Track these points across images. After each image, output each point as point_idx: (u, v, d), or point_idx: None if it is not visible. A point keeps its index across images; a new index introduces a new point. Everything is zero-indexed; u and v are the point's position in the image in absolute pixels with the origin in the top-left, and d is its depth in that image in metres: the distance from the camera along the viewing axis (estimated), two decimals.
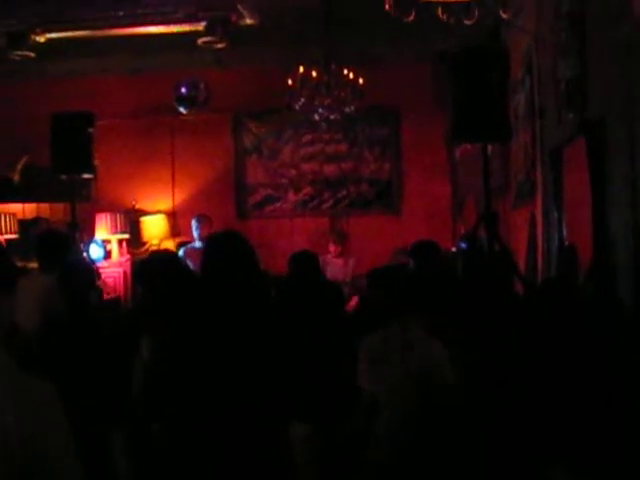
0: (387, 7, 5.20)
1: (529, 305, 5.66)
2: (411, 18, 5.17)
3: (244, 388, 3.89)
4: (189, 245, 11.62)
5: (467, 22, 5.18)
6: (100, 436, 4.47)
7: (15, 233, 12.51)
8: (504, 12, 5.24)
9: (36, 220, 12.63)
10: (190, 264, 9.30)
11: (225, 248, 4.18)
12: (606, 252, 5.85)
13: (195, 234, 11.51)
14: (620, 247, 5.60)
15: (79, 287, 5.48)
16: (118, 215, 12.92)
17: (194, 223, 11.58)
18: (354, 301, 10.06)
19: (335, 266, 11.36)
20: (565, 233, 7.31)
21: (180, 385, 3.96)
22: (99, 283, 9.47)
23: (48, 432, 2.72)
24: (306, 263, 7.03)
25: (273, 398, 3.92)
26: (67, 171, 9.48)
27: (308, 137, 13.62)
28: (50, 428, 2.73)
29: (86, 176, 9.94)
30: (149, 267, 5.81)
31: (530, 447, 4.38)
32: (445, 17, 5.17)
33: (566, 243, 7.26)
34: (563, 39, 6.83)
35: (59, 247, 7.22)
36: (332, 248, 11.70)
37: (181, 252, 11.14)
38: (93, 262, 10.21)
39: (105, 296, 11.13)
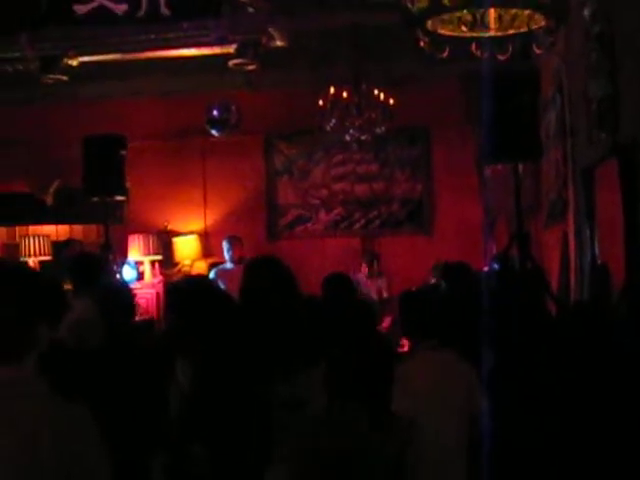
0: (422, 44, 5.22)
1: (562, 326, 5.64)
2: (445, 54, 5.19)
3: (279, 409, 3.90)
4: (220, 266, 11.64)
5: (501, 57, 5.18)
6: (138, 463, 4.47)
7: (48, 255, 12.61)
8: (538, 48, 5.24)
9: (69, 242, 12.70)
10: (222, 285, 9.32)
11: (266, 273, 4.19)
12: (639, 272, 5.83)
13: (227, 255, 11.53)
14: None
15: (120, 310, 5.50)
16: (150, 236, 12.98)
17: (225, 244, 11.61)
18: (387, 322, 10.06)
19: (365, 286, 11.37)
20: (598, 252, 7.29)
21: (216, 410, 3.97)
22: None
23: (85, 457, 2.72)
24: (341, 285, 7.02)
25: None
26: (99, 193, 9.55)
27: (339, 157, 13.63)
28: (87, 453, 2.74)
29: (118, 198, 10.01)
30: (182, 291, 5.83)
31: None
32: (479, 53, 5.18)
33: (599, 262, 7.24)
34: (593, 60, 6.83)
35: (93, 270, 7.25)
36: (364, 269, 11.73)
37: (212, 274, 11.17)
38: (126, 284, 10.26)
39: (138, 317, 11.18)
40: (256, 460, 3.90)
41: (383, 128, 11.16)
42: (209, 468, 4.08)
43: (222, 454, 3.96)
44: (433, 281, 10.30)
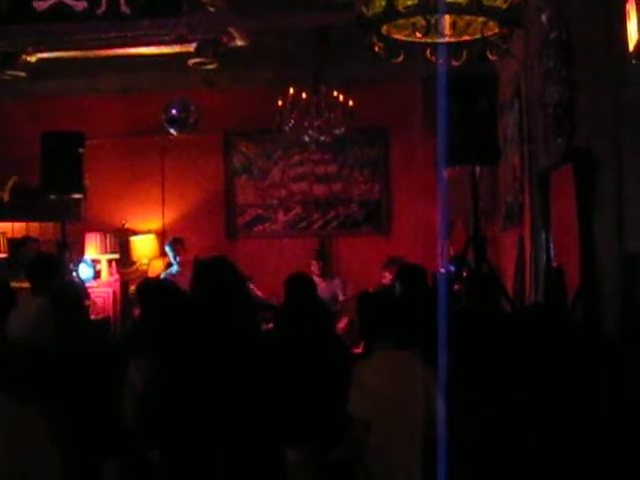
0: (376, 49, 5.24)
1: (517, 328, 5.68)
2: (400, 59, 5.21)
3: (238, 415, 3.89)
4: (168, 272, 11.67)
5: (455, 63, 5.22)
6: (92, 467, 4.46)
7: (4, 252, 12.51)
8: (491, 54, 5.28)
9: (25, 240, 12.62)
10: None
11: (213, 275, 4.17)
12: (593, 276, 5.90)
13: (172, 260, 11.56)
14: (607, 270, 5.65)
15: (69, 310, 5.49)
16: (108, 235, 12.89)
17: (168, 249, 11.62)
18: (343, 323, 10.08)
19: (319, 286, 11.37)
20: (553, 255, 7.35)
21: (173, 413, 3.96)
22: (88, 303, 9.49)
23: (35, 459, 2.72)
24: (303, 286, 7.05)
25: (267, 424, 3.93)
26: (57, 191, 9.51)
27: (298, 158, 13.62)
28: (38, 455, 2.74)
29: (76, 196, 9.97)
30: (143, 293, 5.86)
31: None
32: (433, 58, 5.22)
33: (554, 265, 7.30)
34: (551, 65, 6.89)
35: (51, 269, 7.31)
36: (313, 267, 11.69)
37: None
38: (82, 282, 10.22)
39: (94, 316, 11.13)
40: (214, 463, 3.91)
41: (342, 129, 11.18)
42: (163, 474, 4.07)
43: (178, 460, 3.95)
44: (386, 274, 10.36)
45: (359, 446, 5.10)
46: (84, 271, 12.02)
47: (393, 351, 5.35)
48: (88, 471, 4.39)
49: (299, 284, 7.08)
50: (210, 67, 11.22)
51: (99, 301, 12.09)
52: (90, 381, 5.01)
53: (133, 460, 4.42)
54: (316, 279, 11.43)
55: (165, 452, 4.03)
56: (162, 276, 11.44)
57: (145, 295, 6.04)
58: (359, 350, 7.35)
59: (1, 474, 2.62)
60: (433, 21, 4.93)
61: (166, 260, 13.19)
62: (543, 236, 7.61)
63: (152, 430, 4.16)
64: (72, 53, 11.26)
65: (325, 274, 11.86)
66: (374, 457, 5.07)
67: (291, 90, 10.84)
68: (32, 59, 11.15)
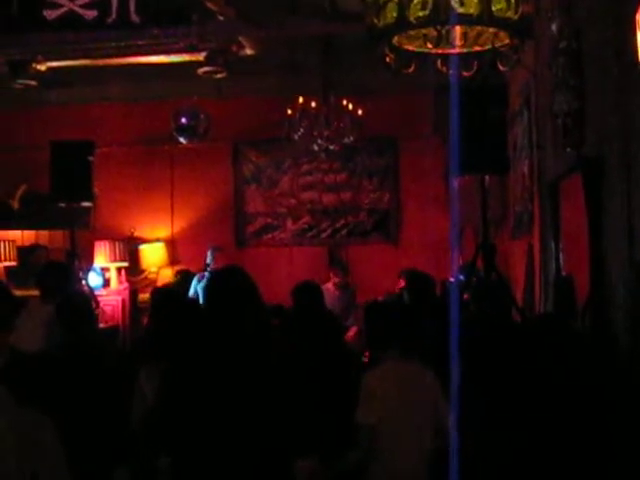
0: (387, 60, 5.24)
1: (526, 337, 5.68)
2: (411, 70, 5.22)
3: (247, 423, 3.89)
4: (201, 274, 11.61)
5: (465, 74, 5.22)
6: (99, 472, 4.47)
7: (14, 260, 12.54)
8: (502, 65, 5.28)
9: (34, 248, 12.66)
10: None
11: (227, 284, 4.18)
12: (603, 285, 5.89)
13: (207, 268, 11.51)
14: (616, 280, 5.64)
15: (76, 319, 5.50)
16: (117, 243, 12.93)
17: (210, 256, 11.60)
18: (353, 332, 10.07)
19: (334, 296, 11.34)
20: (562, 264, 7.34)
21: (183, 420, 3.96)
22: (97, 311, 9.50)
23: (46, 464, 2.73)
24: (310, 295, 7.04)
25: (277, 432, 3.93)
26: (66, 199, 9.56)
27: (307, 167, 13.64)
28: (48, 460, 2.75)
29: (85, 204, 10.02)
30: (153, 301, 5.88)
31: None
32: (444, 69, 5.22)
33: (563, 274, 7.30)
34: (560, 74, 6.89)
35: (61, 278, 7.33)
36: (336, 279, 11.66)
37: (195, 281, 11.05)
38: (92, 290, 10.23)
39: (103, 324, 11.15)
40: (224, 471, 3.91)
41: (351, 138, 11.19)
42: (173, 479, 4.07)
43: (188, 467, 3.95)
44: (401, 282, 10.33)
45: (367, 454, 5.10)
46: (93, 279, 12.04)
47: (401, 360, 5.34)
48: (99, 476, 4.40)
49: (307, 292, 7.08)
50: (219, 76, 11.23)
51: (108, 309, 12.12)
52: (97, 388, 5.01)
53: (141, 467, 4.42)
54: (332, 287, 11.43)
55: (175, 460, 4.03)
56: (196, 277, 11.29)
57: (155, 303, 6.06)
58: (366, 359, 7.35)
59: (12, 475, 2.63)
60: (444, 32, 4.94)
61: (175, 268, 13.17)
62: (552, 245, 7.60)
63: (162, 437, 4.16)
64: (82, 62, 11.29)
65: (343, 285, 11.84)
66: (381, 466, 5.07)
67: (300, 99, 10.85)
68: (42, 68, 11.19)
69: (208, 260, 11.56)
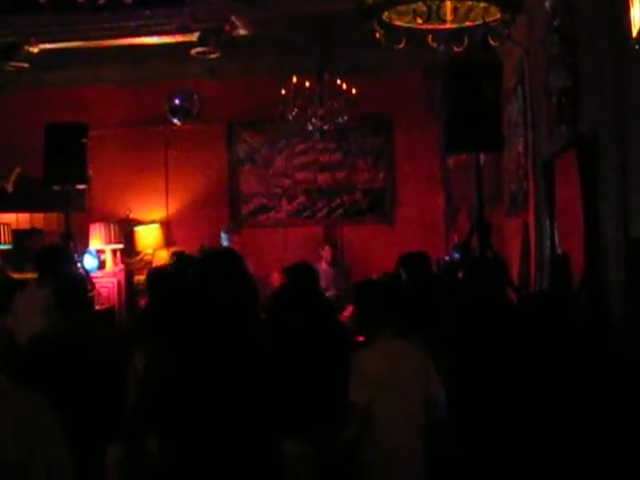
0: (377, 36, 5.22)
1: (523, 314, 5.69)
2: (402, 46, 5.19)
3: (234, 404, 3.89)
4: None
5: (457, 49, 5.20)
6: (96, 450, 4.48)
7: (9, 243, 12.51)
8: (493, 40, 5.26)
9: (31, 232, 12.64)
10: None
11: (217, 265, 4.18)
12: (598, 262, 5.89)
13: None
14: (611, 257, 5.64)
15: (74, 300, 5.50)
16: (112, 225, 12.90)
17: (224, 236, 11.66)
18: (348, 311, 10.06)
19: (327, 275, 11.35)
20: (558, 242, 7.34)
21: (172, 399, 3.97)
22: (93, 293, 9.51)
23: (46, 445, 2.75)
24: (303, 273, 7.02)
25: (268, 412, 3.93)
26: (60, 181, 9.53)
27: (301, 146, 13.61)
28: (47, 441, 2.76)
29: (79, 186, 9.99)
30: (148, 282, 5.88)
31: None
32: (435, 44, 5.20)
33: (559, 252, 7.30)
34: (554, 52, 6.87)
35: (57, 260, 7.35)
36: (325, 254, 11.72)
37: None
38: (87, 272, 10.22)
39: (99, 306, 11.16)
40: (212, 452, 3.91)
41: (345, 117, 11.17)
42: (160, 459, 4.08)
43: (174, 447, 3.95)
44: None
45: (360, 432, 5.11)
46: (89, 261, 12.05)
47: (393, 338, 5.35)
48: (94, 453, 4.41)
49: (299, 272, 7.06)
50: (213, 57, 11.19)
51: (104, 291, 12.13)
52: (93, 369, 5.02)
53: (133, 444, 4.44)
54: (325, 266, 11.46)
55: (162, 439, 4.04)
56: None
57: (150, 284, 6.07)
58: (362, 338, 7.35)
59: (10, 457, 2.64)
60: (434, 7, 4.92)
61: (171, 250, 13.15)
62: (547, 223, 7.60)
63: (150, 415, 4.18)
64: (75, 44, 11.24)
65: (335, 262, 11.87)
66: (375, 442, 5.08)
67: (294, 79, 10.82)
68: (35, 50, 11.15)
69: (224, 242, 11.58)
